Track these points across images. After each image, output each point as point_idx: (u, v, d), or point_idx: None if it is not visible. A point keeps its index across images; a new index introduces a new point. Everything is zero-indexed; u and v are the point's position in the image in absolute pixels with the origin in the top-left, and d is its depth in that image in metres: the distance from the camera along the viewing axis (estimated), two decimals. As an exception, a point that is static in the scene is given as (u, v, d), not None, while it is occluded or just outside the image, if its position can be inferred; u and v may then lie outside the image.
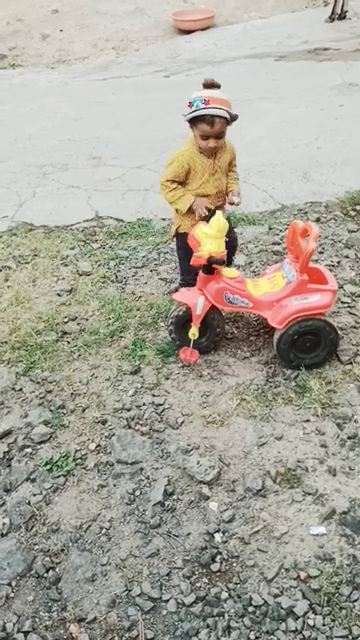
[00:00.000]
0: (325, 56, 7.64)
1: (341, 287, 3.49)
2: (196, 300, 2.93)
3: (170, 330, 3.10)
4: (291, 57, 7.78)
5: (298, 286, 2.86)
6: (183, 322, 3.03)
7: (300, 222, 2.96)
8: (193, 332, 2.96)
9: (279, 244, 3.95)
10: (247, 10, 9.53)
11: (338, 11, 8.49)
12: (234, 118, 2.92)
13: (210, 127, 2.85)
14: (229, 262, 3.37)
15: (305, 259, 2.81)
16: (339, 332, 2.97)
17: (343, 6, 8.55)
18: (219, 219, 2.80)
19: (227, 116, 2.86)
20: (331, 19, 8.58)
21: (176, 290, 3.29)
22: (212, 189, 3.06)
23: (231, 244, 3.20)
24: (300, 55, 7.81)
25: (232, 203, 3.12)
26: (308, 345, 2.92)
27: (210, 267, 2.87)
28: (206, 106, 2.80)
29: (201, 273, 2.93)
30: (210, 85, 2.89)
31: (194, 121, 2.89)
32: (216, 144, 2.93)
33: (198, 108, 2.82)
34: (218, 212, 2.87)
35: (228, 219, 3.00)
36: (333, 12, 8.51)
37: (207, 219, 2.88)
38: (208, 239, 2.80)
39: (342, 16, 8.62)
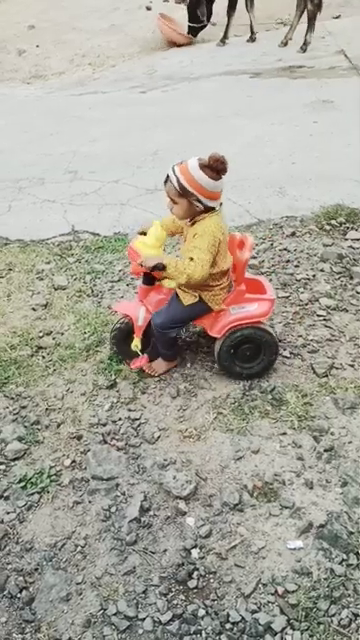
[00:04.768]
0: (299, 74, 7.74)
1: (317, 300, 3.52)
2: (137, 311, 2.95)
3: (113, 343, 3.11)
4: (266, 74, 7.87)
5: (235, 296, 2.90)
6: (125, 334, 3.04)
7: (237, 234, 2.97)
8: (135, 344, 2.99)
9: (255, 257, 3.97)
10: (223, 28, 9.62)
11: (229, 35, 8.95)
12: (184, 194, 2.61)
13: (164, 183, 2.69)
14: None
15: (240, 269, 2.84)
16: (314, 345, 2.98)
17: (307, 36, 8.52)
18: (157, 229, 2.82)
19: (176, 185, 2.60)
20: (231, 40, 9.10)
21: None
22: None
23: None
24: (274, 72, 7.90)
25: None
26: (248, 354, 2.94)
27: (150, 278, 2.89)
28: (173, 166, 2.65)
29: (141, 284, 2.95)
30: (211, 161, 2.57)
31: None
32: (170, 206, 2.73)
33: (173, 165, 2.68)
34: (155, 222, 2.87)
35: None
36: (225, 35, 9.11)
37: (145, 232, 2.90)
38: (147, 249, 2.81)
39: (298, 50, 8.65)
